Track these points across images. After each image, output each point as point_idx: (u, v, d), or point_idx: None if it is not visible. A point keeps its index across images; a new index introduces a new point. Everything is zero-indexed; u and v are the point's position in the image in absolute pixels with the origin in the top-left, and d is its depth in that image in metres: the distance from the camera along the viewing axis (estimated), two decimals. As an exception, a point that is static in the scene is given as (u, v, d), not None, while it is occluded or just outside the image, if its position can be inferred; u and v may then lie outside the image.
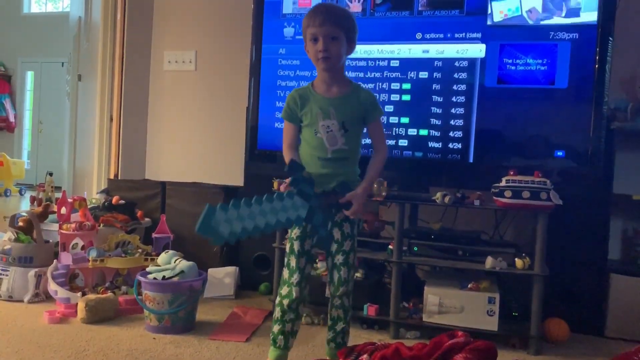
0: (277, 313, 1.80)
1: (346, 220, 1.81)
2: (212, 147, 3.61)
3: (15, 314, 2.41)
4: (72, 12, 5.98)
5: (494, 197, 2.27)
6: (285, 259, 1.84)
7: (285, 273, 1.82)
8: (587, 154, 2.32)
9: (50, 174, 3.99)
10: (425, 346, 1.60)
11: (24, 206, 6.39)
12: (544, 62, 2.35)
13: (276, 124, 2.75)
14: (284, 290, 1.80)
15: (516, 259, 2.27)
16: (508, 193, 2.21)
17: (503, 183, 2.23)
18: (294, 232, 1.81)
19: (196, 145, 3.68)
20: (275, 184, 2.64)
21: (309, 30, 1.78)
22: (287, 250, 1.83)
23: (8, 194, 7.57)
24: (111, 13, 3.97)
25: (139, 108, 3.86)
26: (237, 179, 3.26)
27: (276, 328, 1.80)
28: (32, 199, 3.22)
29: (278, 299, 1.82)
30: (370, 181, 1.86)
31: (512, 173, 2.25)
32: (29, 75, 9.58)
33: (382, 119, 1.83)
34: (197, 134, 3.68)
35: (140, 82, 3.84)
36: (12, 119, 9.34)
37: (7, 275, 2.58)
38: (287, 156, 1.82)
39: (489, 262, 2.27)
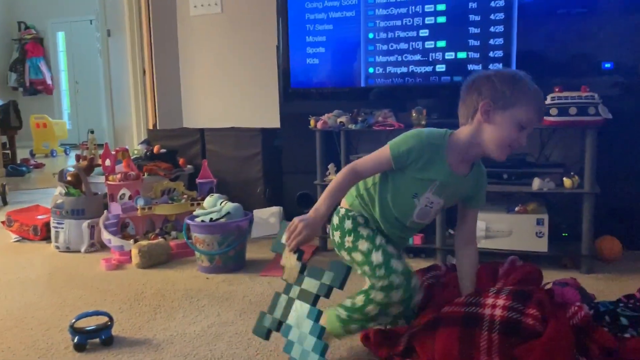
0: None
1: None
2: (246, 90, 3.59)
3: (74, 263, 2.52)
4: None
5: (539, 117, 2.19)
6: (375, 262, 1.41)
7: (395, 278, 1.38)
8: (636, 64, 2.20)
9: (92, 132, 4.06)
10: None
11: (71, 164, 6.60)
12: (589, -33, 2.20)
13: (307, 60, 2.71)
14: (396, 296, 1.38)
15: (564, 179, 2.21)
16: (554, 110, 2.13)
17: (548, 100, 2.14)
18: (378, 240, 1.46)
19: (230, 89, 3.67)
20: (312, 122, 2.62)
21: (529, 120, 1.38)
22: (381, 256, 1.42)
23: (54, 154, 7.81)
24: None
25: (170, 57, 3.85)
26: (274, 121, 3.25)
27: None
28: (77, 157, 3.31)
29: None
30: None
31: (557, 90, 2.15)
32: (60, 36, 9.65)
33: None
34: (230, 78, 3.65)
35: (168, 31, 3.81)
36: (49, 81, 9.49)
37: (62, 228, 2.69)
38: (327, 198, 1.41)
39: (536, 183, 2.22)
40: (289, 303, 1.33)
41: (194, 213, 2.47)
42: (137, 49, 4.32)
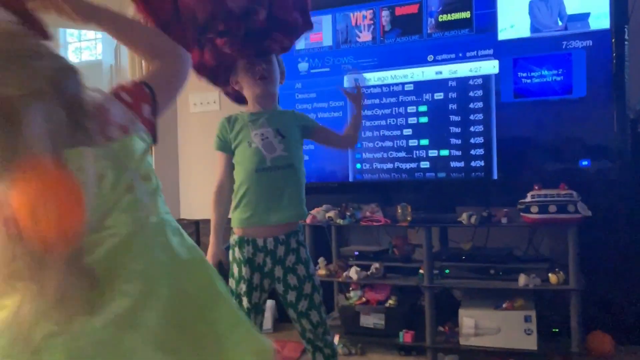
0: None
1: (298, 261, 1.69)
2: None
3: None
4: (105, 59, 6.27)
5: (521, 214, 2.24)
6: None
7: None
8: (613, 160, 2.27)
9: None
10: None
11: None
12: (560, 72, 2.32)
13: (299, 157, 2.80)
14: None
15: (550, 274, 2.22)
16: (534, 208, 2.18)
17: (528, 199, 2.20)
18: (240, 288, 1.69)
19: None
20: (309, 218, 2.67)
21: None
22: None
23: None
24: (138, 59, 4.15)
25: (169, 151, 3.98)
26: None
27: None
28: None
29: None
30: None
31: (537, 187, 2.21)
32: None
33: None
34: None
35: (168, 126, 3.96)
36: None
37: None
38: (213, 213, 1.84)
39: (522, 279, 2.23)
40: None
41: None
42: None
